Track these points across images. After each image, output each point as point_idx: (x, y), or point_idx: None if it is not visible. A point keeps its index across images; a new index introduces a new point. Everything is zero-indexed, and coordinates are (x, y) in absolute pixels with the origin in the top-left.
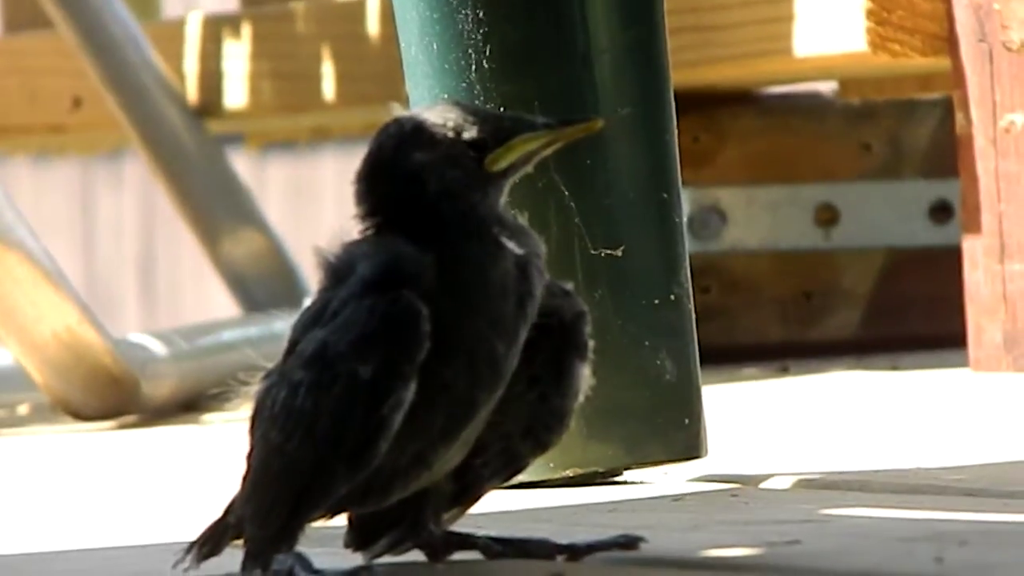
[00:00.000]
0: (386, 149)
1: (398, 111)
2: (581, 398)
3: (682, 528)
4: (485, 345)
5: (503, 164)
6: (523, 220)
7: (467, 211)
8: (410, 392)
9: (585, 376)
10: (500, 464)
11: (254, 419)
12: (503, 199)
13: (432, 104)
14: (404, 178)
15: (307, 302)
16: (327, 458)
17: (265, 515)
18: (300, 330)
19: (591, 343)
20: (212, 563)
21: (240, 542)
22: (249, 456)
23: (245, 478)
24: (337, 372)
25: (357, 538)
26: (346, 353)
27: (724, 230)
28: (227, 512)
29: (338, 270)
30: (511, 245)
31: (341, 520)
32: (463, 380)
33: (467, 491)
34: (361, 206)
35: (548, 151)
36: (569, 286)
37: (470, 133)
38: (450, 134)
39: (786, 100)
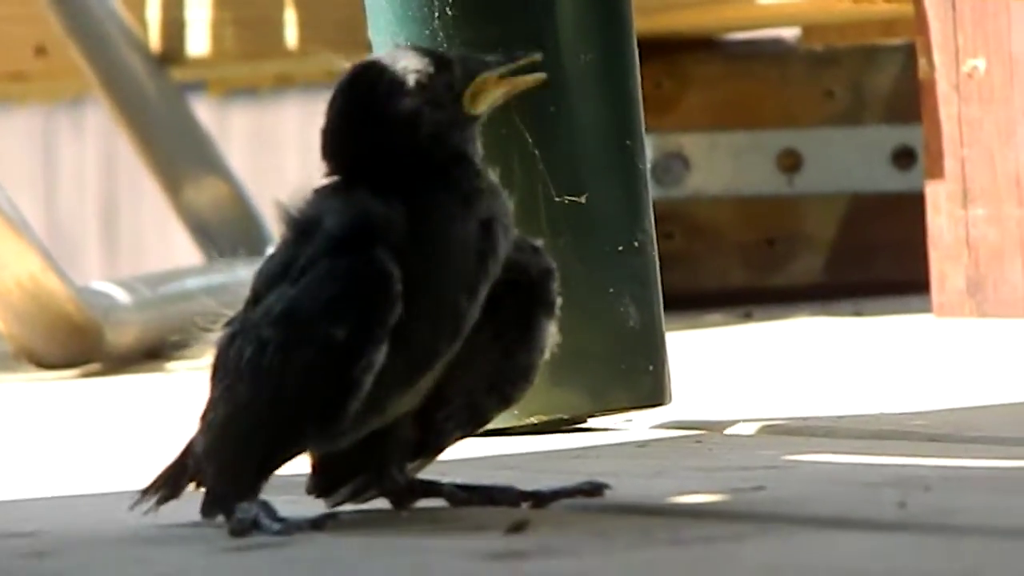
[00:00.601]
0: (376, 95)
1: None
2: (547, 354)
3: (647, 474)
4: (448, 297)
5: (482, 107)
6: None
7: (452, 155)
8: (382, 354)
9: (551, 332)
10: (464, 418)
11: (216, 368)
12: (475, 143)
13: (388, 50)
14: (395, 124)
15: (269, 251)
16: (296, 418)
17: (230, 470)
18: (264, 282)
19: (558, 300)
20: (175, 511)
21: (198, 486)
22: (210, 401)
23: (204, 422)
24: (309, 334)
25: (320, 485)
26: (319, 314)
27: (687, 176)
28: (185, 454)
29: (301, 224)
30: (479, 203)
31: (305, 467)
32: (426, 331)
33: (431, 443)
34: (335, 156)
35: (515, 91)
36: (539, 242)
37: (444, 75)
38: (432, 78)
39: (749, 46)
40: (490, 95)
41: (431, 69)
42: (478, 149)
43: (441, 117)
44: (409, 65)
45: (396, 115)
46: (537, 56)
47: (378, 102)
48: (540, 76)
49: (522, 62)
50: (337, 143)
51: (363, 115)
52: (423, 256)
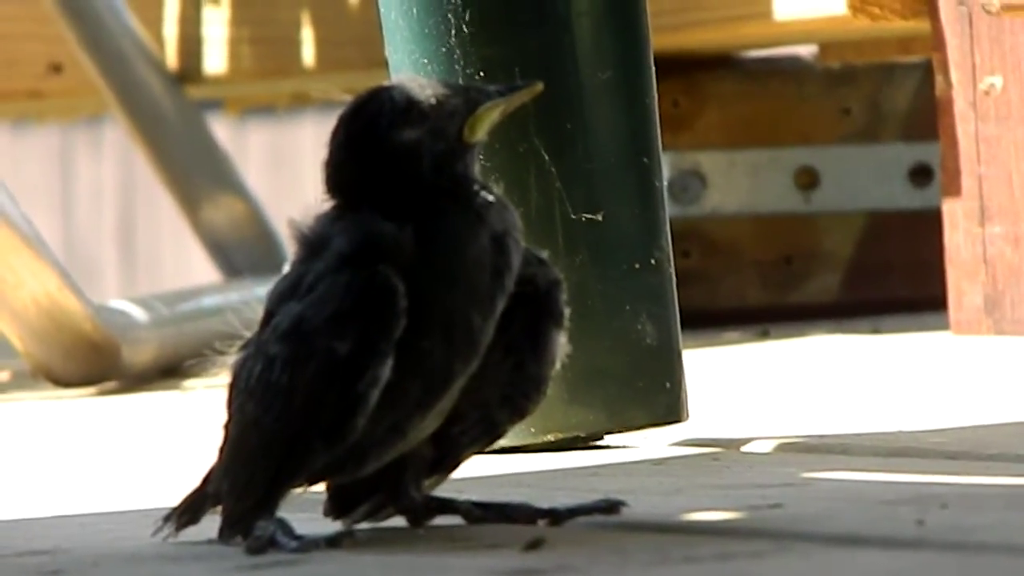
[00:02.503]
0: (378, 126)
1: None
2: (558, 365)
3: (663, 492)
4: (462, 317)
5: (480, 134)
6: (503, 186)
7: (454, 182)
8: (387, 368)
9: (561, 343)
10: (478, 432)
11: (231, 390)
12: (475, 168)
13: (395, 79)
14: (398, 154)
15: (285, 270)
16: (304, 433)
17: (243, 488)
18: (275, 301)
19: (566, 311)
20: (192, 531)
21: (218, 511)
22: (226, 427)
23: (222, 449)
24: (313, 347)
25: (336, 506)
26: (323, 328)
27: (704, 194)
28: (206, 481)
29: (312, 243)
30: (490, 218)
31: (322, 486)
32: (440, 352)
33: (446, 458)
34: (338, 182)
35: (511, 109)
36: (544, 254)
37: (449, 106)
38: (434, 108)
39: (766, 64)
40: (488, 120)
41: (432, 100)
42: (477, 173)
43: (442, 147)
44: (411, 96)
45: (398, 146)
46: (539, 86)
47: (380, 133)
48: (536, 88)
49: (523, 92)
50: (341, 175)
51: (365, 146)
52: (435, 275)
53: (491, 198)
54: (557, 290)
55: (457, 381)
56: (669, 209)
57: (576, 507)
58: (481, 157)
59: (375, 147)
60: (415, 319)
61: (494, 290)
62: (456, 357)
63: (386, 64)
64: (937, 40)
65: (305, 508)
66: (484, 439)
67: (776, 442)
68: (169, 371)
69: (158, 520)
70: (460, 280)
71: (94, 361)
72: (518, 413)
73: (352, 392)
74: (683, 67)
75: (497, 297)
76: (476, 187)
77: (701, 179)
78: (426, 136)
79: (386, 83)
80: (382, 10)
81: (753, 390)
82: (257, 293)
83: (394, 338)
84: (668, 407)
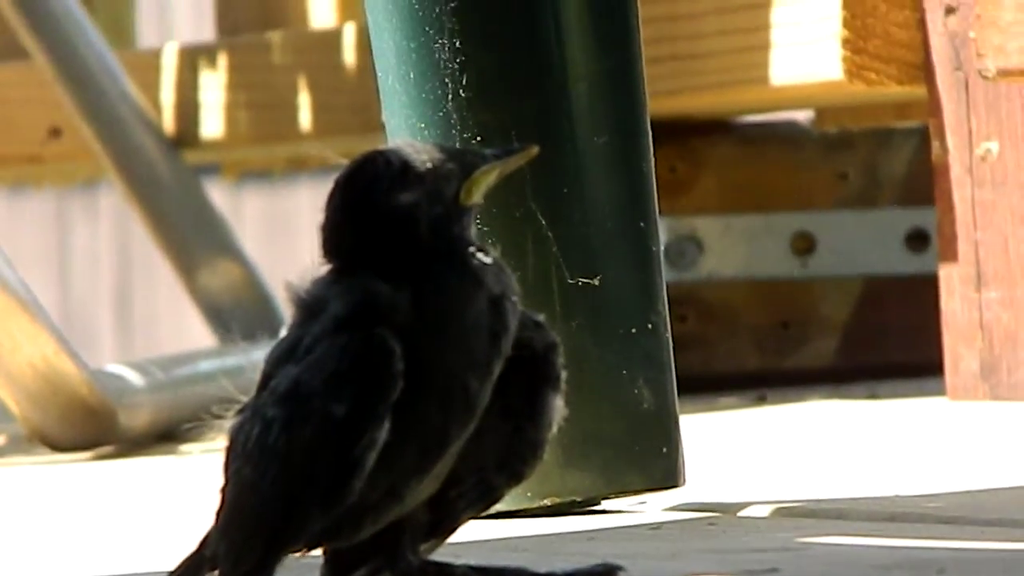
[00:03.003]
0: (375, 190)
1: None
2: (555, 429)
3: (660, 557)
4: (459, 381)
5: (476, 197)
6: (499, 250)
7: (451, 245)
8: (384, 431)
9: (558, 407)
10: (475, 496)
11: (228, 454)
12: (471, 230)
13: (390, 143)
14: (395, 218)
15: (282, 334)
16: (301, 497)
17: (239, 552)
18: (273, 365)
19: (563, 374)
20: None
21: (215, 575)
22: (223, 491)
23: (219, 513)
24: (310, 410)
25: (333, 570)
26: (319, 391)
27: (701, 259)
28: (202, 545)
29: (310, 306)
30: (488, 281)
31: (318, 551)
32: (436, 415)
33: (443, 522)
34: (335, 245)
35: (507, 172)
36: (540, 317)
37: (444, 169)
38: (430, 172)
39: (762, 129)
40: (485, 183)
41: (428, 163)
42: (478, 242)
43: (439, 210)
44: (407, 159)
45: (395, 209)
46: (535, 149)
47: (377, 197)
48: (532, 152)
49: (520, 156)
50: (338, 238)
51: (363, 209)
52: (431, 338)
53: (488, 260)
54: (554, 354)
55: (454, 444)
56: (666, 274)
57: (574, 571)
58: (478, 221)
59: (372, 210)
60: (412, 382)
61: (491, 353)
62: (453, 420)
63: (383, 129)
64: (933, 105)
65: (302, 573)
66: (481, 503)
67: (773, 507)
68: (165, 435)
69: None
70: (457, 343)
71: (90, 425)
72: (515, 477)
73: (349, 455)
74: (680, 132)
75: (494, 360)
76: (473, 249)
77: (697, 244)
78: (423, 199)
79: (381, 147)
80: (379, 75)
81: (750, 455)
82: (254, 357)
83: (391, 400)
84: (665, 472)
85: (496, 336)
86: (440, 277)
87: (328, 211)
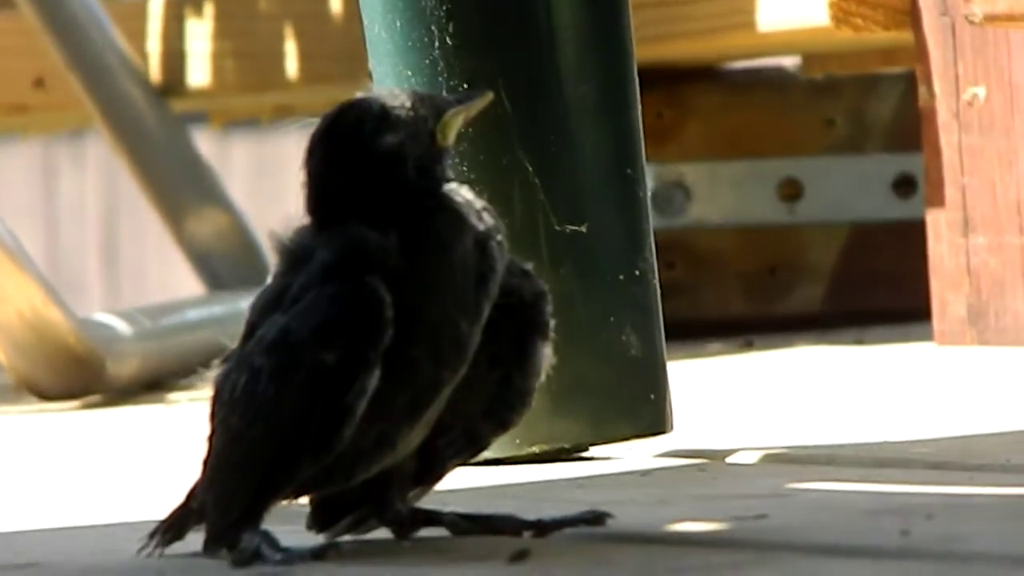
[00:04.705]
0: (361, 133)
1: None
2: (543, 377)
3: (649, 503)
4: (449, 324)
5: (450, 138)
6: (486, 198)
7: (435, 184)
8: (374, 379)
9: (547, 355)
10: (462, 444)
11: (214, 403)
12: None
13: (364, 91)
14: (383, 159)
15: (267, 283)
16: (290, 445)
17: (228, 502)
18: (258, 313)
19: (552, 322)
20: (177, 544)
21: (203, 527)
22: (210, 439)
23: (206, 462)
24: (300, 359)
25: (320, 519)
26: (309, 340)
27: (688, 206)
28: (190, 497)
29: (295, 254)
30: (472, 219)
31: (306, 499)
32: (427, 360)
33: (430, 471)
34: (321, 194)
35: (471, 116)
36: (528, 266)
37: (420, 113)
38: (409, 115)
39: (749, 75)
40: (455, 125)
41: (408, 106)
42: (464, 183)
43: (422, 151)
44: (386, 104)
45: (382, 152)
46: (489, 95)
47: (364, 140)
48: (488, 97)
49: (479, 100)
50: (324, 187)
51: (350, 154)
52: (420, 282)
53: (471, 196)
54: (542, 301)
55: (445, 389)
56: (653, 221)
57: (562, 518)
58: (465, 169)
59: (360, 153)
60: (402, 327)
61: (479, 295)
62: (444, 365)
63: (370, 77)
64: (920, 51)
65: (290, 520)
66: (468, 451)
67: (761, 453)
68: (153, 384)
69: (143, 537)
70: (446, 285)
71: (78, 374)
72: (502, 425)
73: (339, 403)
74: (666, 79)
75: (483, 303)
76: (455, 186)
77: (685, 191)
78: (407, 140)
79: (357, 95)
80: (365, 23)
81: (738, 401)
82: (241, 306)
83: (381, 348)
84: (653, 418)
85: (484, 277)
86: (425, 217)
87: (311, 163)
